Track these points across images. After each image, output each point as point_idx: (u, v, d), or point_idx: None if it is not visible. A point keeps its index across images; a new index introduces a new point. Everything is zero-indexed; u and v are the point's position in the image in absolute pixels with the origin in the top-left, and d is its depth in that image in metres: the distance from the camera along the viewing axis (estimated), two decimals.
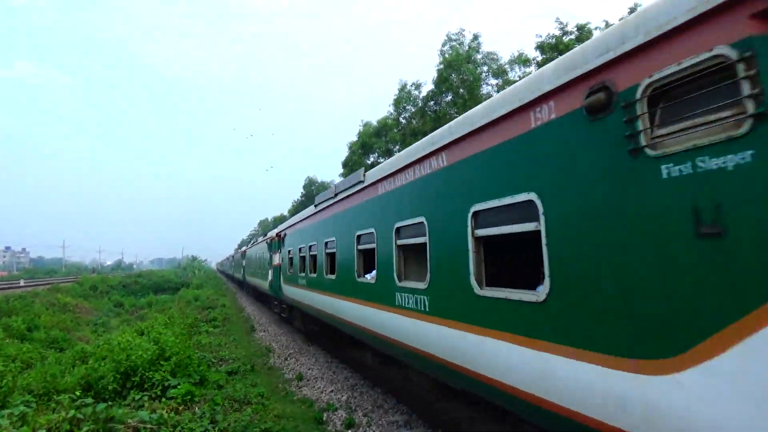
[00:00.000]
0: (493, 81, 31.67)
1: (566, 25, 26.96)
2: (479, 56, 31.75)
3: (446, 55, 31.16)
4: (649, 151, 2.61)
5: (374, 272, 6.94)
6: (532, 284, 3.83)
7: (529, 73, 23.48)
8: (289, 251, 14.19)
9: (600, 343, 2.91)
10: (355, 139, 40.35)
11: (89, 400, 6.45)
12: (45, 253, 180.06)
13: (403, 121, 35.78)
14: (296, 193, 74.71)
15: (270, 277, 18.21)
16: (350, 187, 8.07)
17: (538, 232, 3.45)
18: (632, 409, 2.65)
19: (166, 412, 6.60)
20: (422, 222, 5.30)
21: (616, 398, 2.75)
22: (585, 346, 3.02)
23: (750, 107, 2.16)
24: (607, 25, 23.84)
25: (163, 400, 7.16)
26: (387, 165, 6.63)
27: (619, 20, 3.24)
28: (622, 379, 2.72)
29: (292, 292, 13.47)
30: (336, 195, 8.92)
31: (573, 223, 3.16)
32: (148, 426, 5.99)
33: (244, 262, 33.28)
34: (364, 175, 7.46)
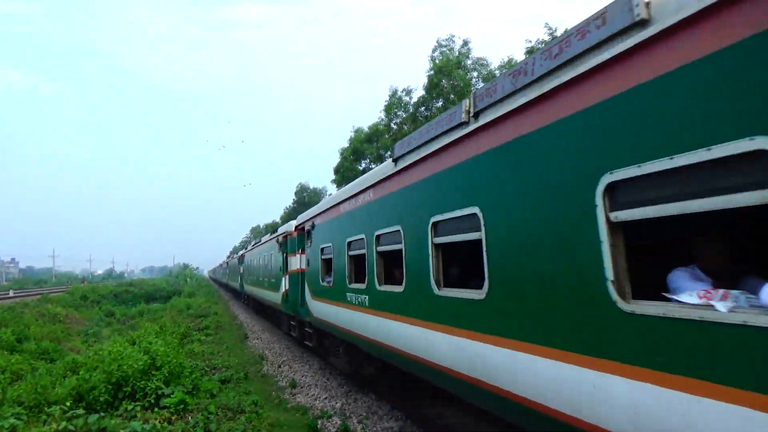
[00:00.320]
0: None
1: (555, 30, 27.32)
2: (469, 62, 32.04)
3: (436, 61, 31.40)
4: None
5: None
6: None
7: None
8: (322, 249, 9.83)
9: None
10: (346, 145, 40.40)
11: (81, 412, 6.41)
12: (35, 263, 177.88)
13: (395, 126, 35.91)
14: (288, 200, 74.33)
15: (284, 287, 13.78)
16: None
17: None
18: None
19: (159, 422, 6.56)
20: None
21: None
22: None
23: None
24: None
25: (156, 410, 7.10)
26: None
27: None
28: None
29: (328, 312, 9.30)
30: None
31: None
32: None
33: (241, 269, 29.70)
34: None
